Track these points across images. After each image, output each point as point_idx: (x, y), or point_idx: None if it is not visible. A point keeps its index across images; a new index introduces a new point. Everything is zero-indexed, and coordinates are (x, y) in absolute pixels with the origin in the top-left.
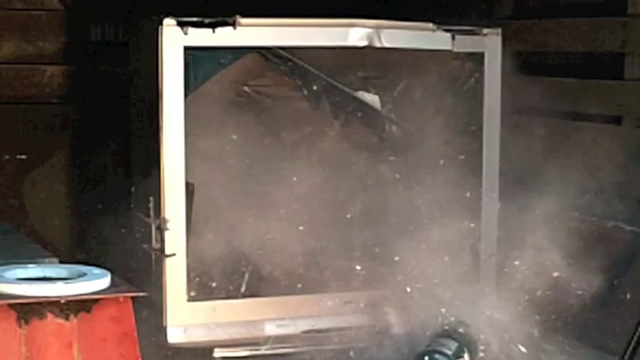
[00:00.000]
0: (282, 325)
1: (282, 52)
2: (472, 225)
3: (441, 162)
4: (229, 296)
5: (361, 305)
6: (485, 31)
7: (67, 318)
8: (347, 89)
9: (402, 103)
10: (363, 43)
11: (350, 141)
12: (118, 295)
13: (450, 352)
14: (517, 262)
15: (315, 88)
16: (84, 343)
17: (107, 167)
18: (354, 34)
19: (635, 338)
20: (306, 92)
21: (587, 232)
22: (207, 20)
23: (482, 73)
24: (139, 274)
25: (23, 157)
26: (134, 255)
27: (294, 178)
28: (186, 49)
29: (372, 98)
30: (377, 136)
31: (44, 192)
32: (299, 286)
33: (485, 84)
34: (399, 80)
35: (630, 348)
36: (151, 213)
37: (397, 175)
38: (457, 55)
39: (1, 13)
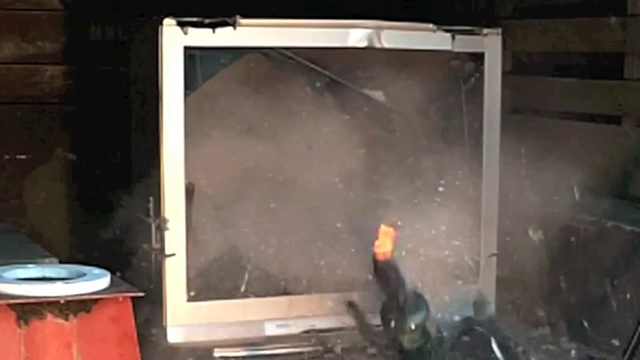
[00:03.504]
0: (282, 325)
1: (282, 51)
2: (472, 225)
3: (441, 162)
4: (229, 296)
5: (361, 305)
6: (485, 31)
7: (66, 318)
8: (350, 85)
9: (402, 104)
10: (363, 43)
11: (350, 140)
12: (118, 295)
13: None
14: (516, 262)
15: (315, 87)
16: (83, 343)
17: (107, 167)
18: (355, 34)
19: (635, 338)
20: (306, 92)
21: (586, 232)
22: (207, 20)
23: (482, 73)
24: (139, 274)
25: (23, 157)
26: (134, 255)
27: (295, 178)
28: (186, 49)
29: (375, 94)
30: (377, 136)
31: (44, 192)
32: (299, 286)
33: (485, 84)
34: (398, 80)
35: (630, 348)
36: (151, 213)
37: (397, 176)
38: (457, 55)
39: (1, 13)
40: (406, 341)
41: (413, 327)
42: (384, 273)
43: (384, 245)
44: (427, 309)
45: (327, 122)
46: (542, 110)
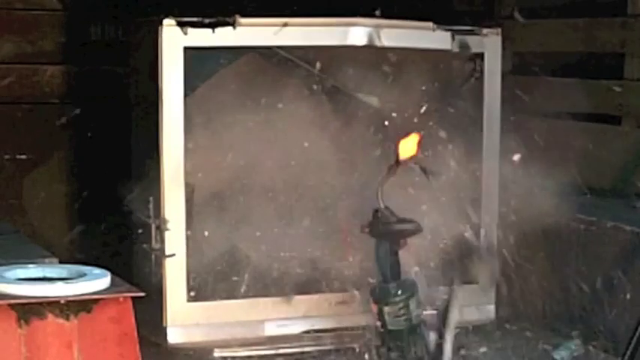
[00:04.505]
0: (282, 325)
1: (281, 51)
2: (471, 225)
3: (440, 162)
4: (229, 296)
5: (361, 305)
6: (485, 31)
7: (67, 318)
8: (349, 83)
9: (401, 103)
10: (363, 42)
11: (351, 140)
12: (118, 295)
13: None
14: (516, 262)
15: (315, 86)
16: (84, 343)
17: (107, 167)
18: (354, 33)
19: (635, 338)
20: (306, 91)
21: (586, 232)
22: (206, 20)
23: (482, 73)
24: (139, 274)
25: (23, 157)
26: (134, 255)
27: (295, 178)
28: (186, 49)
29: (370, 98)
30: (377, 136)
31: (44, 192)
32: (299, 286)
33: (485, 84)
34: (398, 80)
35: (630, 348)
36: (151, 213)
37: (397, 176)
38: (457, 55)
39: (1, 13)
40: (390, 315)
41: (398, 298)
42: (385, 216)
43: (408, 146)
44: (416, 289)
45: (328, 121)
46: (542, 110)
